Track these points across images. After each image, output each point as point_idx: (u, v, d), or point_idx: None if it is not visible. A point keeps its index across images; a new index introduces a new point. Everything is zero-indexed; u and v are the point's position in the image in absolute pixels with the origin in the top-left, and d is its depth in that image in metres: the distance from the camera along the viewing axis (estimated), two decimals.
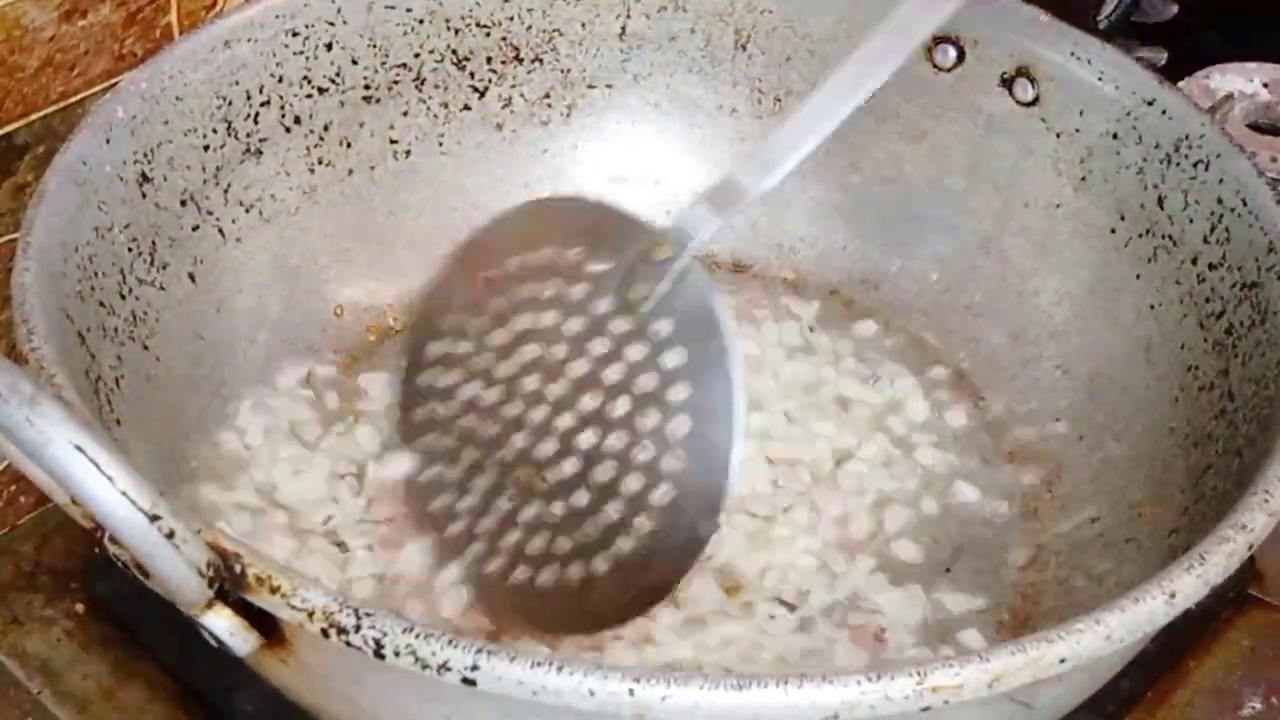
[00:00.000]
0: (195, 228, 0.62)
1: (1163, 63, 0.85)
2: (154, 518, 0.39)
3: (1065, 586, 0.59)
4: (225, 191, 0.63)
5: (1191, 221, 0.61)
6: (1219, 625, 0.62)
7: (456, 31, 0.70)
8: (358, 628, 0.40)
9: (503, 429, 0.55)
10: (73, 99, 0.62)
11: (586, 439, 0.53)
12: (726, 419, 0.51)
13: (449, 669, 0.40)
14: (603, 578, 0.52)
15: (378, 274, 0.69)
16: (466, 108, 0.71)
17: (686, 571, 0.52)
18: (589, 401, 0.54)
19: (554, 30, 0.71)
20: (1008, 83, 0.67)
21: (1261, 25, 0.88)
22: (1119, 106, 0.64)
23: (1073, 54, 0.65)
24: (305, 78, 0.66)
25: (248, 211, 0.65)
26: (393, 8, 0.67)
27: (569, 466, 0.54)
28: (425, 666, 0.40)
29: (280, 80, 0.65)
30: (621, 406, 0.53)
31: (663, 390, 0.52)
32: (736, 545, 0.59)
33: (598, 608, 0.52)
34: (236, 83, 0.63)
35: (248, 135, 0.64)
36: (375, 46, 0.68)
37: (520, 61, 0.71)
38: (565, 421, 0.54)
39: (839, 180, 0.73)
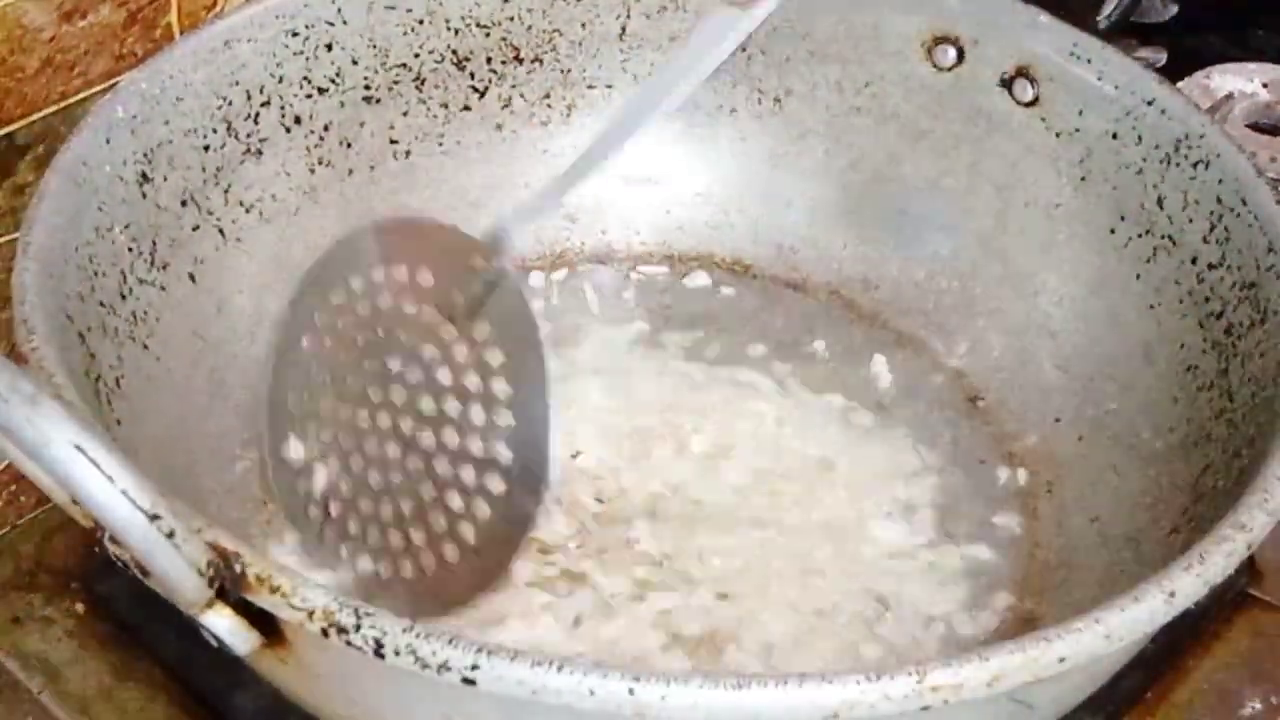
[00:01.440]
0: (195, 228, 0.62)
1: (1163, 63, 0.85)
2: (154, 517, 0.40)
3: (1064, 586, 0.59)
4: (225, 191, 0.63)
5: (1191, 221, 0.61)
6: (1219, 625, 0.62)
7: (456, 32, 0.70)
8: (358, 627, 0.40)
9: (354, 437, 0.58)
10: (73, 99, 0.62)
11: (426, 439, 0.57)
12: (542, 411, 0.56)
13: (449, 669, 0.40)
14: (456, 564, 0.55)
15: None
16: (466, 108, 0.71)
17: (517, 547, 0.57)
18: (425, 404, 0.57)
19: (554, 30, 0.71)
20: (1008, 83, 0.67)
21: (1261, 25, 0.88)
22: (1119, 106, 0.64)
23: (1073, 54, 0.65)
24: (305, 78, 0.66)
25: (248, 211, 0.65)
26: (393, 8, 0.68)
27: (412, 464, 0.57)
28: (425, 666, 0.40)
29: (280, 80, 0.65)
30: (453, 407, 0.57)
31: (487, 388, 0.56)
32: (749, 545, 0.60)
33: (449, 591, 0.56)
34: (237, 83, 0.63)
35: (248, 135, 0.64)
36: (375, 47, 0.68)
37: (520, 62, 0.71)
38: (407, 424, 0.57)
39: (839, 180, 0.73)
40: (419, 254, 0.58)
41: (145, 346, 0.57)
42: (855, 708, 0.40)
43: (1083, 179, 0.66)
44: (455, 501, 0.56)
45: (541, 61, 0.72)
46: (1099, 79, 0.64)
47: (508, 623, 0.56)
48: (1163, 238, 0.62)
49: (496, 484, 0.55)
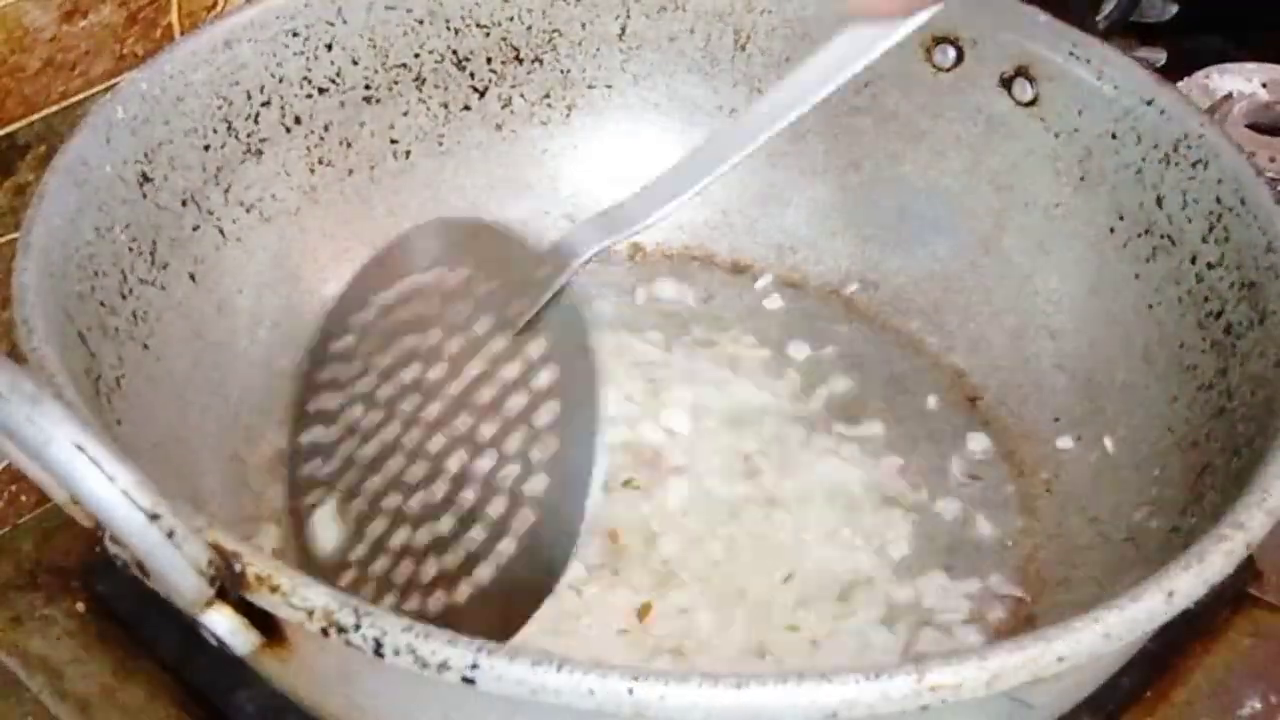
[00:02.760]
0: (196, 227, 0.62)
1: (1162, 63, 0.85)
2: (154, 517, 0.40)
3: (1064, 585, 0.59)
4: (226, 191, 0.63)
5: (1190, 221, 0.61)
6: (1219, 624, 0.62)
7: (456, 32, 0.70)
8: (357, 626, 0.40)
9: (379, 452, 0.54)
10: (74, 99, 0.62)
11: (456, 461, 0.52)
12: (589, 441, 0.50)
13: (448, 668, 0.40)
14: (463, 606, 0.50)
15: None
16: (466, 108, 0.71)
17: (542, 600, 0.49)
18: (461, 423, 0.53)
19: (554, 30, 0.71)
20: (1007, 83, 0.67)
21: (1261, 25, 0.88)
22: (1118, 106, 0.64)
23: (1072, 54, 0.65)
24: (305, 78, 0.66)
25: (248, 211, 0.65)
26: (393, 8, 0.68)
27: (438, 490, 0.52)
28: (425, 665, 0.40)
29: (281, 80, 0.65)
30: (490, 428, 0.52)
31: (532, 411, 0.52)
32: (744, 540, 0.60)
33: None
34: (237, 83, 0.63)
35: (248, 135, 0.64)
36: (375, 47, 0.68)
37: (520, 62, 0.71)
38: (437, 443, 0.53)
39: (839, 180, 0.73)
40: (482, 257, 0.55)
41: (146, 346, 0.57)
42: (855, 707, 0.40)
43: (1082, 179, 0.66)
44: (476, 536, 0.50)
45: (541, 62, 0.72)
46: (1098, 79, 0.65)
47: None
48: (1162, 237, 0.62)
49: (524, 521, 0.50)
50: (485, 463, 0.52)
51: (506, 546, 0.50)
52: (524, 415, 0.52)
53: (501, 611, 0.49)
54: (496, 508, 0.51)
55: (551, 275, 0.53)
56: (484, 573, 0.50)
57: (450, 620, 0.48)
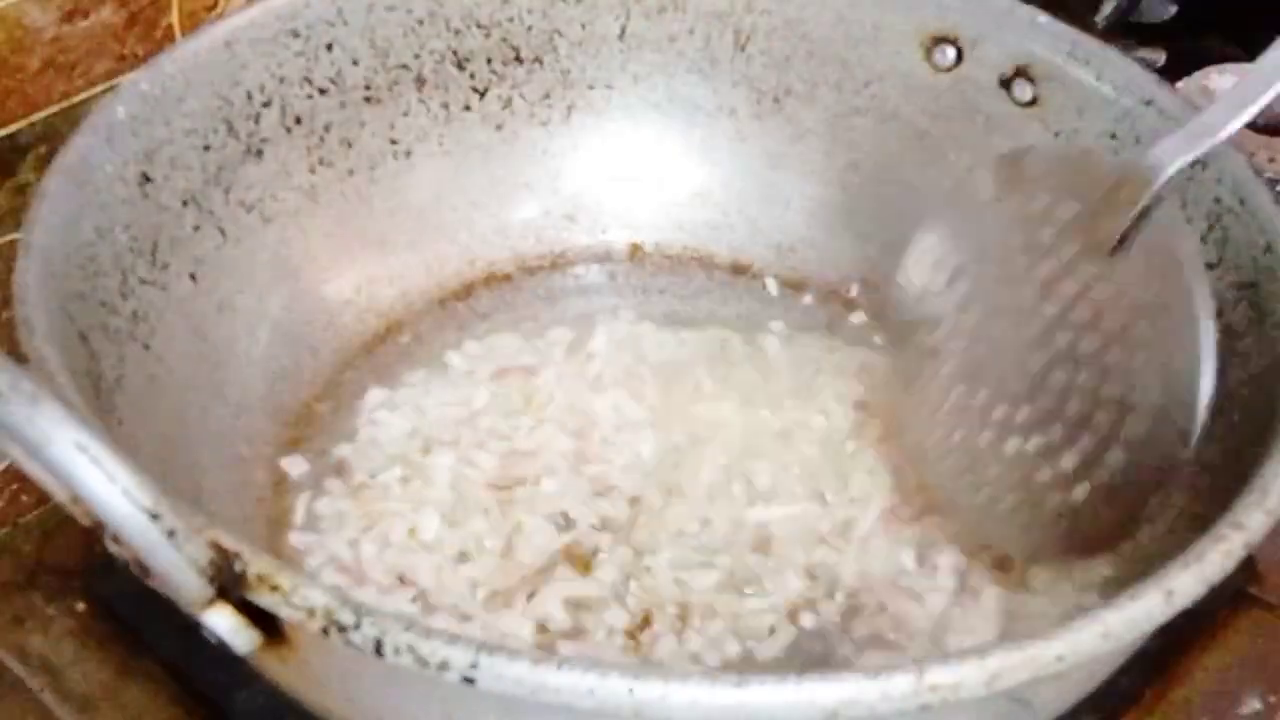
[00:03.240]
0: (196, 228, 0.62)
1: (1161, 63, 0.85)
2: (155, 516, 0.40)
3: (1063, 585, 0.59)
4: (226, 192, 0.63)
5: (1189, 221, 0.61)
6: (1218, 624, 0.62)
7: (457, 32, 0.70)
8: (357, 626, 0.40)
9: (978, 368, 0.59)
10: (74, 99, 0.63)
11: (1057, 378, 0.57)
12: (1193, 351, 0.53)
13: (448, 667, 0.40)
14: (1080, 506, 0.55)
15: (378, 274, 0.70)
16: (467, 108, 0.71)
17: (1148, 496, 0.54)
18: (1060, 340, 0.57)
19: (554, 31, 0.71)
20: (1006, 83, 0.67)
21: (1261, 25, 0.88)
22: (1117, 107, 0.64)
23: (1071, 54, 0.65)
24: (306, 78, 0.66)
25: (249, 212, 0.65)
26: (393, 8, 0.68)
27: (1043, 402, 0.57)
28: (425, 665, 0.40)
29: (281, 81, 0.65)
30: (1090, 344, 0.56)
31: (1129, 327, 0.55)
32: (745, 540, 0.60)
33: (1075, 537, 0.56)
34: (237, 83, 0.63)
35: (249, 136, 0.64)
36: (376, 47, 0.68)
37: (520, 62, 0.72)
38: (1037, 360, 0.57)
39: (839, 180, 0.73)
40: (1056, 183, 0.58)
41: (146, 346, 0.57)
42: (854, 706, 0.40)
43: None
44: (1087, 444, 0.55)
45: (541, 62, 0.72)
46: (1098, 79, 0.65)
47: None
48: None
49: (1135, 428, 0.54)
50: (1088, 378, 0.56)
51: (1116, 455, 0.54)
52: (1122, 331, 0.55)
53: (1115, 513, 0.55)
54: (1103, 419, 0.55)
55: (1136, 192, 0.55)
56: (1100, 476, 0.55)
57: (1067, 519, 0.55)
